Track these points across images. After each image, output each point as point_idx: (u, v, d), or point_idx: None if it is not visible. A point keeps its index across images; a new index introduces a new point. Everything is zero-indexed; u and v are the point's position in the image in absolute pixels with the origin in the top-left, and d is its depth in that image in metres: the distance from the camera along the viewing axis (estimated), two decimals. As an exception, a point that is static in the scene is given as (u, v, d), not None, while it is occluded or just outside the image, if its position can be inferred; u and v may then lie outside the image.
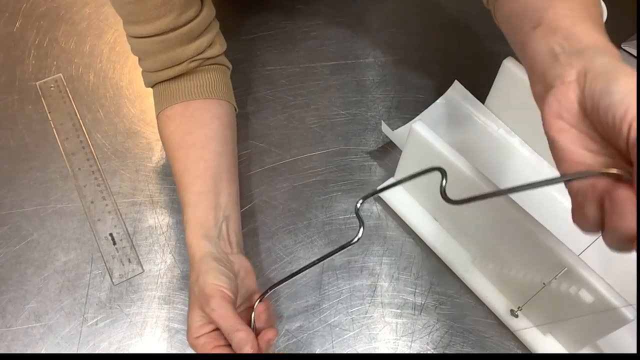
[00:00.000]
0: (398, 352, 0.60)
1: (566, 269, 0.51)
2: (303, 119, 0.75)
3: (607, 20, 0.78)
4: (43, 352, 0.59)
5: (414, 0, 0.88)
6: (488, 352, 0.60)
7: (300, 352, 0.60)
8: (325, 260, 0.62)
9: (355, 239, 0.48)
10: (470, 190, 0.57)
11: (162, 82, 0.65)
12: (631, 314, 0.48)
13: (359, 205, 0.49)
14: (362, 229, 0.48)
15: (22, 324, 0.61)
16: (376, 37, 0.83)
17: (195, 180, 0.59)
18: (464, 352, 0.60)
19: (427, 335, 0.61)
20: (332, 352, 0.60)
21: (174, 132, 0.63)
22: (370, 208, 0.68)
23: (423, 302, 0.63)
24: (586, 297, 0.51)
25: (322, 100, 0.77)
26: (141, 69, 0.65)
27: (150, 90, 0.75)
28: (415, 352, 0.60)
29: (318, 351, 0.60)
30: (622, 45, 0.83)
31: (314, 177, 0.70)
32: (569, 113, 0.37)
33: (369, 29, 0.84)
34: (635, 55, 0.82)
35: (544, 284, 0.54)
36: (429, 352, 0.60)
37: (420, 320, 0.62)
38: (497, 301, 0.62)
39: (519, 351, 0.60)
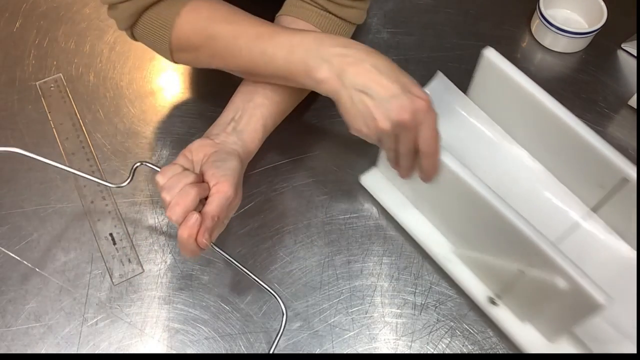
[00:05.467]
0: (398, 352, 0.60)
1: (542, 256, 0.52)
2: (303, 119, 0.75)
3: (607, 20, 0.79)
4: (43, 352, 0.59)
5: (414, 0, 0.88)
6: (488, 352, 0.60)
7: (300, 352, 0.60)
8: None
9: (124, 184, 0.60)
10: (449, 179, 0.58)
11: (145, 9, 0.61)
12: (604, 299, 0.49)
13: (137, 165, 0.59)
14: (130, 180, 0.60)
15: (22, 324, 0.61)
16: (376, 37, 0.83)
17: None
18: (464, 352, 0.60)
19: (427, 335, 0.61)
20: (332, 352, 0.60)
21: (206, 17, 0.60)
22: (370, 208, 0.68)
23: (423, 302, 0.63)
24: (560, 283, 0.51)
25: (322, 99, 0.77)
26: (113, 17, 0.63)
27: (150, 90, 0.75)
28: (415, 352, 0.60)
29: (318, 351, 0.60)
30: (622, 45, 0.83)
31: (314, 177, 0.70)
32: (195, 156, 0.57)
33: (369, 29, 0.84)
34: (635, 55, 0.82)
35: (521, 271, 0.55)
36: (429, 352, 0.60)
37: (420, 320, 0.62)
38: (477, 289, 0.62)
39: (518, 351, 0.60)
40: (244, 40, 0.58)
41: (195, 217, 0.51)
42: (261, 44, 0.57)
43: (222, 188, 0.53)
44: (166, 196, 0.52)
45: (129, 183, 0.59)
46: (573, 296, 0.51)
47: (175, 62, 0.65)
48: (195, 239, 0.51)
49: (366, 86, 0.53)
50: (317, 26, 0.65)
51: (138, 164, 0.59)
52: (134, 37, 0.65)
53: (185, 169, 0.54)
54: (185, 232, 0.51)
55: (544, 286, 0.53)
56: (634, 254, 0.65)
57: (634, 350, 0.58)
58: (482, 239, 0.59)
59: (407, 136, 0.55)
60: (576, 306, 0.52)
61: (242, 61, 0.59)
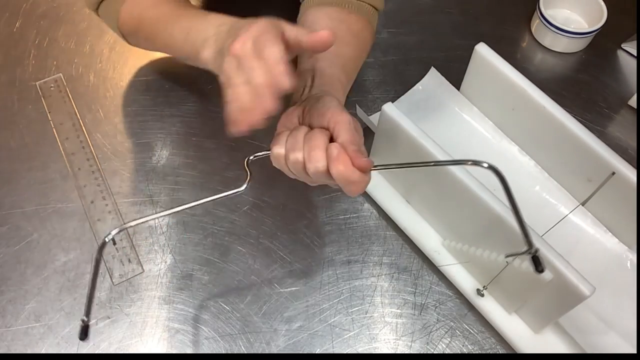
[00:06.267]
0: (398, 352, 0.60)
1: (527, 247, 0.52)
2: (303, 119, 0.75)
3: (607, 20, 0.79)
4: (43, 352, 0.59)
5: (414, 0, 0.88)
6: (488, 352, 0.60)
7: (300, 352, 0.60)
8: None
9: (242, 188, 0.50)
10: (434, 168, 0.59)
11: None
12: (589, 290, 0.50)
13: (252, 158, 0.52)
14: (249, 179, 0.51)
15: (22, 324, 0.61)
16: (376, 37, 0.83)
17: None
18: (464, 352, 0.60)
19: (427, 335, 0.61)
20: (332, 352, 0.60)
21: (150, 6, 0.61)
22: (370, 208, 0.68)
23: (423, 302, 0.63)
24: (545, 274, 0.52)
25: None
26: None
27: (150, 89, 0.75)
28: (415, 352, 0.60)
29: (318, 351, 0.60)
30: (622, 45, 0.83)
31: (314, 177, 0.70)
32: (291, 123, 0.52)
33: (369, 29, 0.84)
34: (635, 55, 0.82)
35: (507, 262, 0.55)
36: (429, 352, 0.60)
37: (420, 320, 0.62)
38: (465, 281, 0.62)
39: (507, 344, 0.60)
40: (162, 23, 0.60)
41: (335, 146, 0.46)
42: (171, 27, 0.59)
43: (339, 118, 0.49)
44: (297, 155, 0.48)
45: (248, 185, 0.51)
46: (558, 287, 0.52)
47: (132, 45, 0.69)
48: (354, 167, 0.46)
49: (226, 49, 0.49)
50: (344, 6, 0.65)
51: (251, 157, 0.52)
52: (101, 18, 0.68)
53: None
54: (340, 165, 0.46)
55: (529, 277, 0.53)
56: (621, 246, 0.65)
57: (618, 341, 0.59)
58: (471, 231, 0.60)
59: (247, 66, 0.46)
60: (561, 297, 0.53)
61: (162, 44, 0.61)
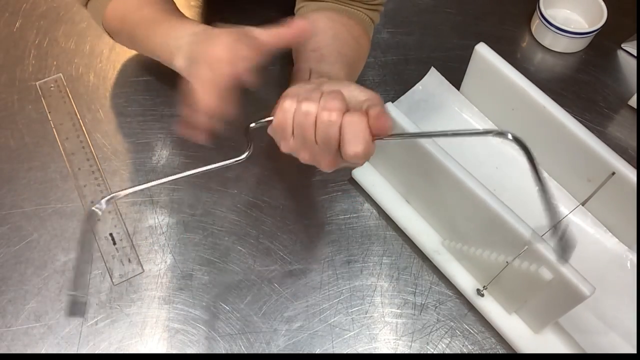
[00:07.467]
0: (398, 352, 0.60)
1: (527, 247, 0.53)
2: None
3: (607, 20, 0.79)
4: (43, 352, 0.59)
5: (414, 0, 0.88)
6: (488, 351, 0.60)
7: (300, 352, 0.60)
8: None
9: (243, 156, 0.51)
10: (439, 173, 0.58)
11: None
12: (589, 290, 0.50)
13: (252, 125, 0.51)
14: (251, 147, 0.51)
15: (22, 324, 0.61)
16: (376, 37, 0.83)
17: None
18: (464, 352, 0.60)
19: (427, 335, 0.61)
20: (332, 352, 0.60)
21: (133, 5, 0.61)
22: (370, 208, 0.68)
23: (423, 302, 0.63)
24: (545, 274, 0.52)
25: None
26: None
27: (150, 89, 0.75)
28: (415, 352, 0.60)
29: (318, 351, 0.60)
30: (622, 45, 0.83)
31: (314, 177, 0.70)
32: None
33: (369, 29, 0.84)
34: (635, 55, 0.82)
35: (507, 262, 0.55)
36: (429, 352, 0.60)
37: (420, 320, 0.62)
38: (465, 281, 0.62)
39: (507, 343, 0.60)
40: (142, 27, 0.60)
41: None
42: (151, 31, 0.59)
43: (367, 95, 0.47)
44: (310, 106, 0.44)
45: (249, 152, 0.52)
46: (558, 287, 0.52)
47: (117, 42, 0.70)
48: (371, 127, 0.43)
49: (200, 57, 0.51)
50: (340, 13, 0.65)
51: (252, 125, 0.52)
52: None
53: None
54: (355, 116, 0.43)
55: (529, 277, 0.53)
56: (621, 246, 0.65)
57: (619, 341, 0.59)
58: (471, 231, 0.60)
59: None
60: (561, 297, 0.53)
61: (142, 46, 0.62)
